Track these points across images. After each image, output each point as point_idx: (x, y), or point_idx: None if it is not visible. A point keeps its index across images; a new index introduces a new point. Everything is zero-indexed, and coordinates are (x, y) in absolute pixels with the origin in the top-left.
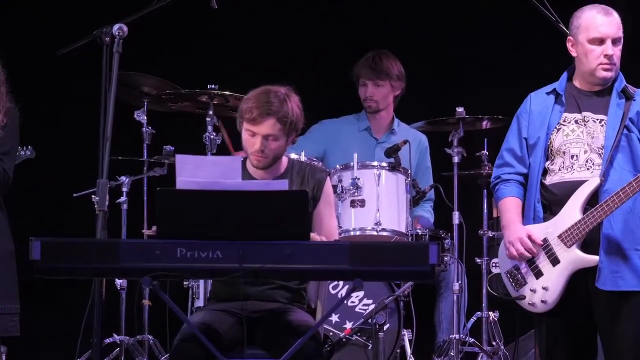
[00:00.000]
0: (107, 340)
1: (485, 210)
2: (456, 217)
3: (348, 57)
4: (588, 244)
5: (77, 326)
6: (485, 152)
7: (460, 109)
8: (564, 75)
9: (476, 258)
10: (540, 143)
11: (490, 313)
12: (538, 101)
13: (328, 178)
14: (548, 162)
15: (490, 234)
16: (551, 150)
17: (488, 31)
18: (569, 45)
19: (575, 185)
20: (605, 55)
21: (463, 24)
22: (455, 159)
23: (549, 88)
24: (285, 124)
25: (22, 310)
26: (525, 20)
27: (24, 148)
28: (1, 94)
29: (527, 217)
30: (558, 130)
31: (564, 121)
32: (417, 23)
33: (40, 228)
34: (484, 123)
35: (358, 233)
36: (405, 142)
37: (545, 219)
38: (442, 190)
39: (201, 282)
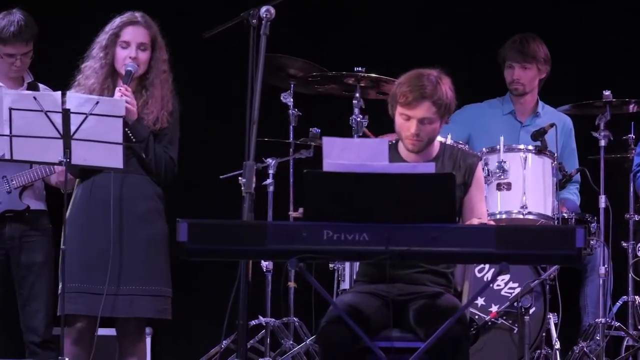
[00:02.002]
0: (253, 322)
1: (632, 194)
2: (602, 201)
3: (492, 40)
4: None
5: (223, 308)
6: (632, 135)
7: (607, 92)
8: None
9: (622, 242)
10: None
11: (637, 297)
12: None
13: (479, 163)
14: None
15: (636, 217)
16: None
17: (635, 13)
18: None
19: None
20: None
21: (610, 6)
22: (602, 143)
23: None
24: (440, 107)
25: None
26: None
27: None
28: (167, 97)
29: None
30: None
31: None
32: (563, 5)
33: (186, 210)
34: (631, 106)
35: (504, 216)
36: (552, 125)
37: None
38: (588, 174)
39: (347, 264)
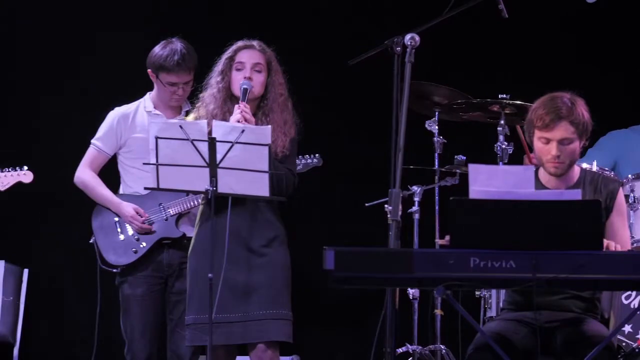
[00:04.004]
0: (400, 350)
1: None
2: None
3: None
4: None
5: (369, 336)
6: None
7: None
8: None
9: None
10: None
11: None
12: None
13: (621, 188)
14: None
15: None
16: None
17: None
18: None
19: None
20: None
21: None
22: None
23: None
24: (578, 126)
25: (315, 319)
26: None
27: (311, 156)
28: (289, 123)
29: None
30: None
31: None
32: None
33: (332, 237)
34: None
35: None
36: None
37: None
38: None
39: (493, 291)
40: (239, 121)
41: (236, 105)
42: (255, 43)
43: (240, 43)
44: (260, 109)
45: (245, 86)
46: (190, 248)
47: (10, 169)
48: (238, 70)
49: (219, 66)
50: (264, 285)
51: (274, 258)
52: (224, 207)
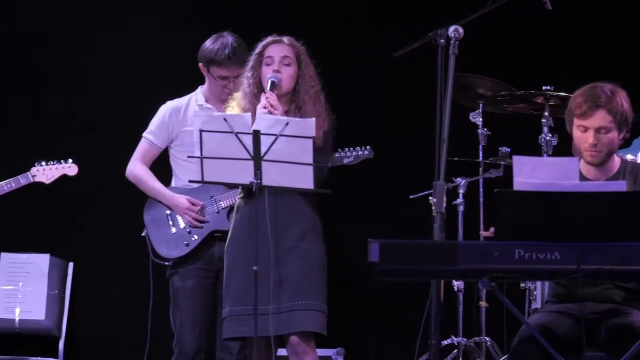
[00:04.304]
0: (445, 342)
1: None
2: None
3: None
4: None
5: (413, 327)
6: None
7: None
8: None
9: None
10: None
11: None
12: None
13: None
14: None
15: None
16: None
17: None
18: None
19: None
20: None
21: None
22: None
23: None
24: (616, 116)
25: (359, 311)
26: None
27: (362, 148)
28: (323, 115)
29: None
30: None
31: None
32: None
33: (377, 229)
34: None
35: None
36: None
37: None
38: None
39: (538, 283)
40: (265, 107)
41: (262, 94)
42: (284, 38)
43: (269, 38)
44: (293, 102)
45: (272, 79)
46: (227, 240)
47: (54, 162)
48: (267, 65)
49: (249, 63)
50: (296, 277)
51: (307, 251)
52: (262, 200)
